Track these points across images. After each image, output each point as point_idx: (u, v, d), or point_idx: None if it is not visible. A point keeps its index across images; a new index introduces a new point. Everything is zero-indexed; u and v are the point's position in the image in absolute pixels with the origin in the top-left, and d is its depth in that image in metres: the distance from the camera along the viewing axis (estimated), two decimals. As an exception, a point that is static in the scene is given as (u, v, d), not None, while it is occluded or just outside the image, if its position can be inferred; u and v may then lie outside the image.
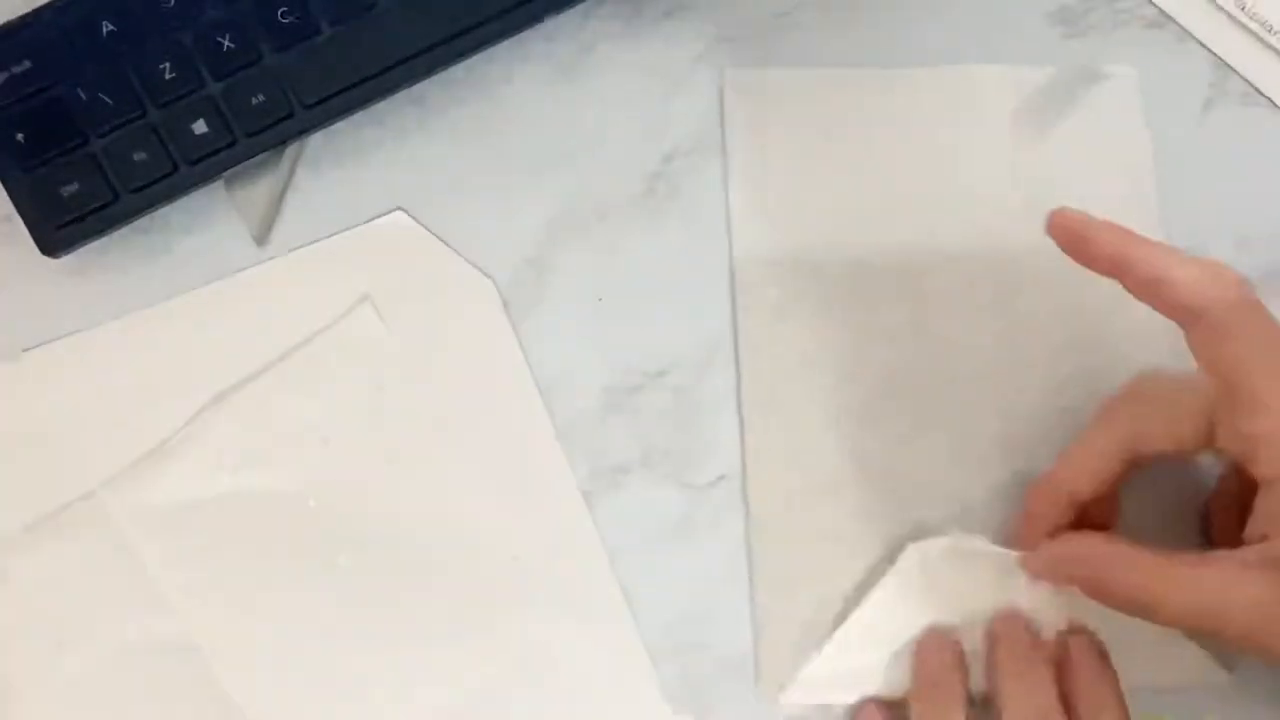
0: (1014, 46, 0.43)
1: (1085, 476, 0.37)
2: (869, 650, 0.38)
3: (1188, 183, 0.42)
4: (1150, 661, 0.37)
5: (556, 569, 0.39)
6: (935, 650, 0.37)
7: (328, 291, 0.41)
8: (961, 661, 0.37)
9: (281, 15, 0.39)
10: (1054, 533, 0.37)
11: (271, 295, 0.41)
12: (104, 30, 0.39)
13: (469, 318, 0.41)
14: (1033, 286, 0.41)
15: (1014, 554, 0.37)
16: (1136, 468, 0.37)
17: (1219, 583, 0.33)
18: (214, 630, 0.38)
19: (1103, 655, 0.36)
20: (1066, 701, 0.35)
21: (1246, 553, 0.33)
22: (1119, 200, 0.40)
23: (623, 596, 0.39)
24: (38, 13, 0.39)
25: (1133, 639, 0.36)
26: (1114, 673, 0.36)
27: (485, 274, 0.41)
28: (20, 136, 0.39)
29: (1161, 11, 0.43)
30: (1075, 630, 0.37)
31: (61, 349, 0.40)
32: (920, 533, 0.39)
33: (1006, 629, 0.37)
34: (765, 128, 0.42)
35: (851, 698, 0.38)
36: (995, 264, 0.41)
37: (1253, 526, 0.34)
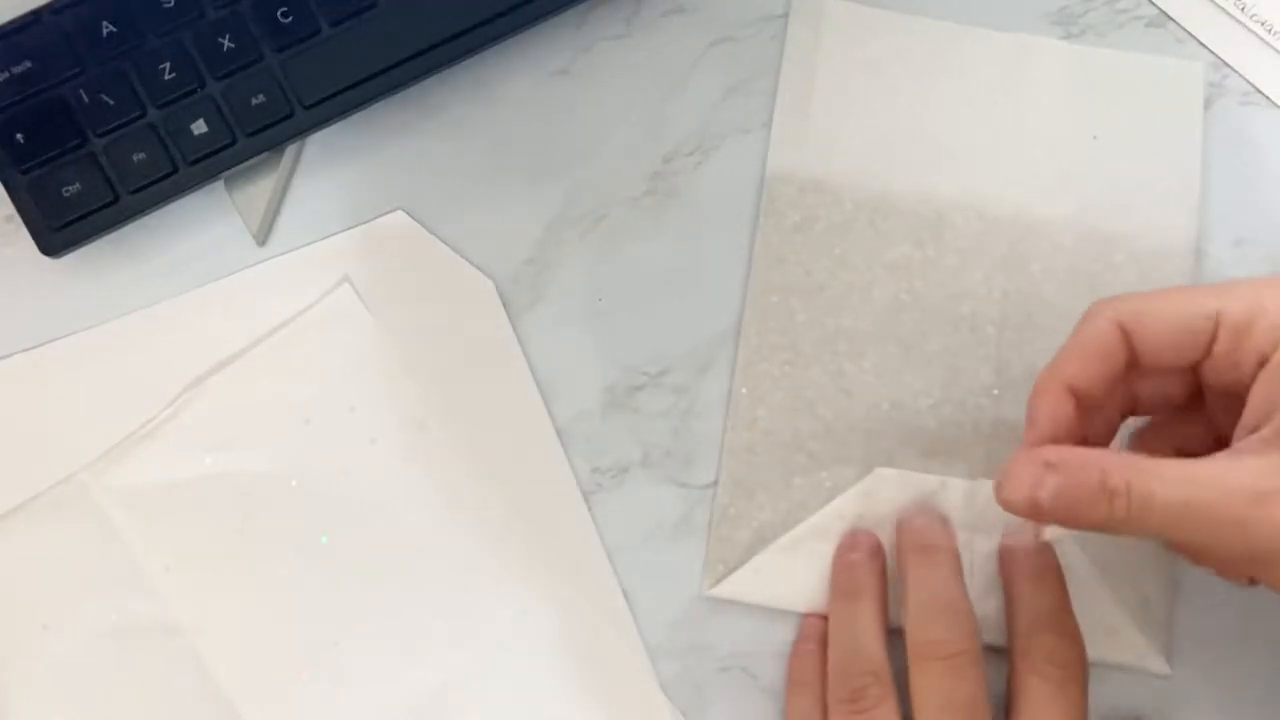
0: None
1: (1079, 359, 0.34)
2: (809, 560, 0.38)
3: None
4: (1088, 635, 0.37)
5: (556, 567, 0.39)
6: (849, 546, 0.38)
7: (327, 290, 0.41)
8: (879, 553, 0.38)
9: (282, 15, 0.39)
10: (1049, 424, 0.35)
11: (272, 294, 0.41)
12: (104, 31, 0.39)
13: (469, 317, 0.41)
14: (1052, 255, 0.41)
15: (982, 483, 0.38)
16: (1134, 368, 0.34)
17: (1212, 472, 0.31)
18: (197, 610, 0.39)
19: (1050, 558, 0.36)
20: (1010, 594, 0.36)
21: (1239, 444, 0.31)
22: (1160, 193, 0.40)
23: (622, 595, 0.39)
24: (38, 13, 0.39)
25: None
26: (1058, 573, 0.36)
27: (485, 274, 0.41)
28: (20, 137, 0.39)
29: (1161, 11, 0.43)
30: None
31: (61, 349, 0.40)
32: (892, 464, 0.39)
33: (911, 517, 0.38)
34: (817, 55, 0.42)
35: (780, 602, 0.38)
36: (1017, 225, 0.41)
37: (1246, 419, 0.32)
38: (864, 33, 0.42)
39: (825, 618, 0.38)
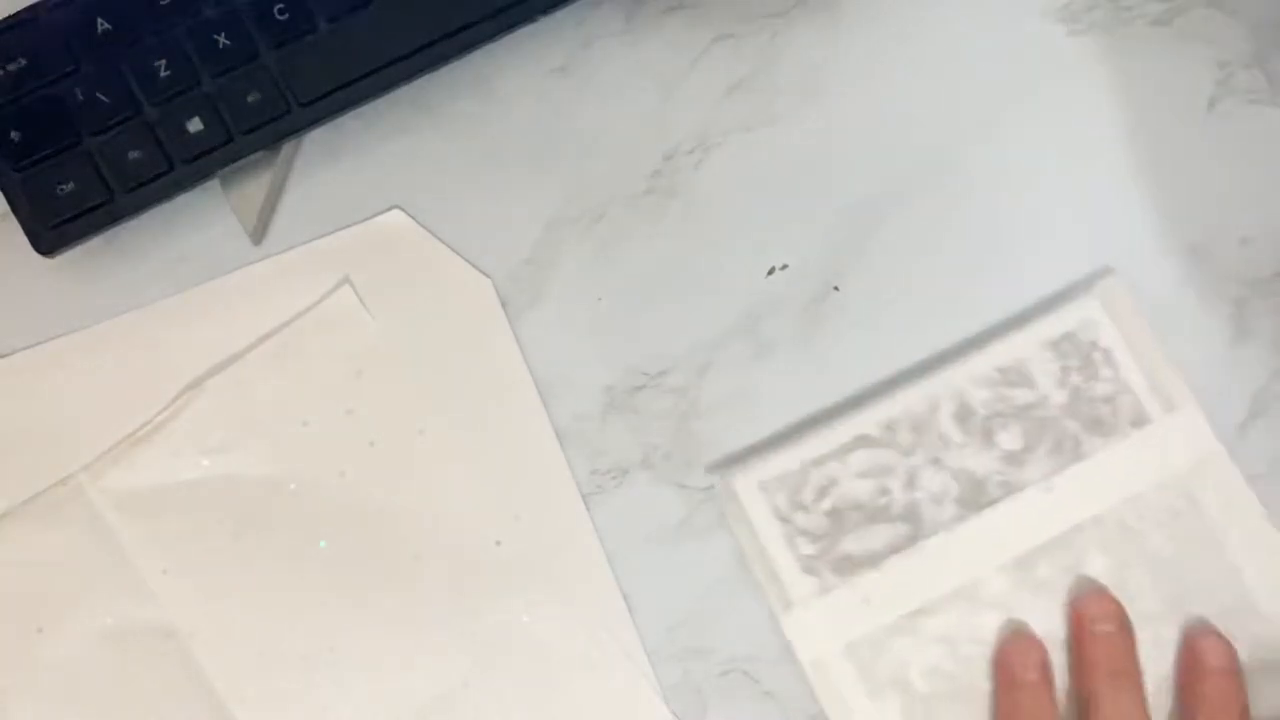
0: (1016, 43, 0.42)
1: None
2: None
3: (1191, 180, 0.42)
4: None
5: (555, 570, 0.39)
6: (1021, 663, 0.37)
7: (324, 290, 0.40)
8: (1049, 671, 0.37)
9: (278, 12, 0.39)
10: None
11: (268, 294, 0.40)
12: (99, 28, 0.39)
13: (466, 317, 0.40)
14: None
15: None
16: None
17: None
18: (193, 614, 0.38)
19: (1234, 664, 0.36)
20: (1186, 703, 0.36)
21: None
22: None
23: (622, 599, 0.39)
24: (33, 10, 0.39)
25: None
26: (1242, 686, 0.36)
27: (483, 273, 0.41)
28: (15, 135, 0.38)
29: (1167, 8, 0.42)
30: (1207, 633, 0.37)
31: (56, 348, 0.40)
32: None
33: (1099, 624, 0.37)
34: None
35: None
36: None
37: None
38: None
39: None
